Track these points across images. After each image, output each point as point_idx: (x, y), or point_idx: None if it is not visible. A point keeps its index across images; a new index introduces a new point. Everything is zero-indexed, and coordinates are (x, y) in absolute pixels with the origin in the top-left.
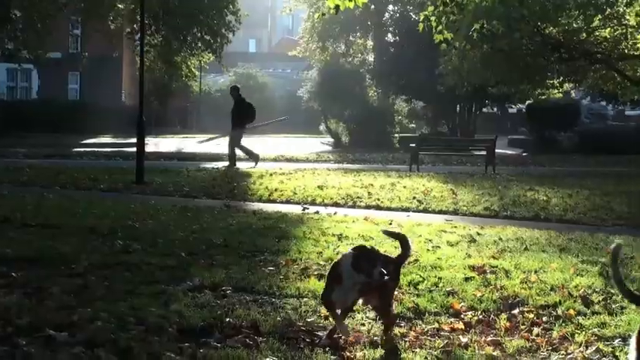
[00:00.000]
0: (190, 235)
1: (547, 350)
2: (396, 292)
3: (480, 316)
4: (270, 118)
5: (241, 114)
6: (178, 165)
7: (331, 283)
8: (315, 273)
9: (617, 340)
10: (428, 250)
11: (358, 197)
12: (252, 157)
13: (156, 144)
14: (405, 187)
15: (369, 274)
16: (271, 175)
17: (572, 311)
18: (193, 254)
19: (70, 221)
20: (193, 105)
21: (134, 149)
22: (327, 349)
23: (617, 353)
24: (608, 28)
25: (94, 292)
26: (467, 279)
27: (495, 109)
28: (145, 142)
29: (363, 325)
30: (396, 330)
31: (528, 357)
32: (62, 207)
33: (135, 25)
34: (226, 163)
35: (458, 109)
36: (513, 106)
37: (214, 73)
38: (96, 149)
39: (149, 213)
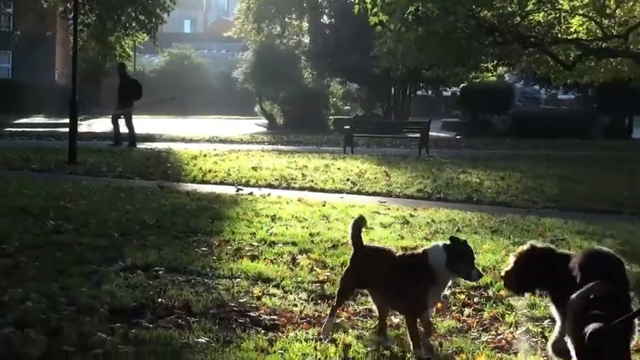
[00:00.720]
0: (123, 215)
1: (478, 331)
2: (328, 274)
3: None
4: (205, 99)
5: (126, 92)
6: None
7: (425, 283)
8: (249, 254)
9: (546, 321)
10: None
11: (292, 178)
12: (119, 140)
13: (89, 124)
14: (339, 168)
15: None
16: (205, 156)
17: (503, 292)
18: (126, 235)
19: (0, 201)
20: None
21: (67, 129)
22: (259, 329)
23: (547, 334)
24: (542, 12)
25: (25, 272)
26: None
27: (430, 92)
28: (78, 122)
29: (295, 306)
30: (328, 311)
31: (459, 337)
32: None
33: (68, 5)
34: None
35: (392, 91)
36: (448, 89)
37: (149, 53)
38: (28, 129)
39: (81, 193)
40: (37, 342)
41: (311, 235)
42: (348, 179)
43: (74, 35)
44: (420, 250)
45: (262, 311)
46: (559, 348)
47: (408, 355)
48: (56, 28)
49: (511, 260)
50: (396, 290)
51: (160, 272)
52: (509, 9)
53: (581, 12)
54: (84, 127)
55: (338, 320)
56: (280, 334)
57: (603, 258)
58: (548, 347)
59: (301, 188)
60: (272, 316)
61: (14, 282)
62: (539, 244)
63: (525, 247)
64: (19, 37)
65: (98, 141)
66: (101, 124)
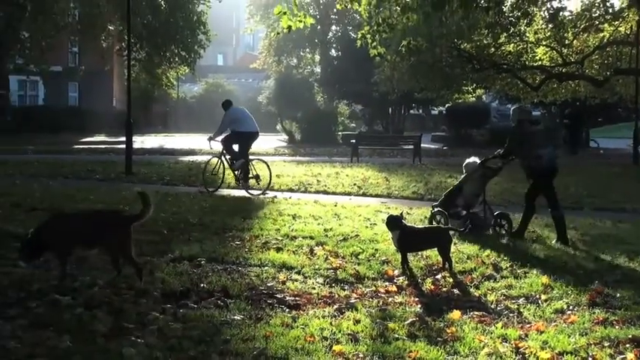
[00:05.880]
0: (171, 215)
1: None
2: (340, 262)
3: (410, 281)
4: None
5: None
6: (161, 159)
7: None
8: (274, 246)
9: (521, 299)
10: (366, 227)
11: (309, 184)
12: None
13: (142, 141)
14: (347, 175)
15: None
16: None
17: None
18: (173, 231)
19: (70, 205)
20: (172, 109)
21: (124, 146)
22: (284, 308)
23: (522, 310)
24: (512, 44)
25: (91, 263)
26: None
27: (421, 111)
28: (133, 139)
29: (314, 288)
30: (342, 293)
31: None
32: (64, 194)
33: (123, 44)
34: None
35: (390, 111)
36: (435, 109)
37: (189, 82)
38: (92, 146)
39: (136, 198)
40: (103, 320)
41: (325, 230)
42: (354, 184)
43: (128, 69)
44: None
45: (286, 293)
46: None
47: (406, 330)
48: (113, 63)
49: None
50: None
51: (202, 262)
52: (485, 41)
53: (544, 43)
54: (137, 144)
55: (352, 300)
56: (302, 312)
57: None
58: None
59: (316, 192)
60: (295, 297)
61: (83, 271)
62: None
63: None
64: (83, 72)
65: (149, 155)
66: (151, 142)
